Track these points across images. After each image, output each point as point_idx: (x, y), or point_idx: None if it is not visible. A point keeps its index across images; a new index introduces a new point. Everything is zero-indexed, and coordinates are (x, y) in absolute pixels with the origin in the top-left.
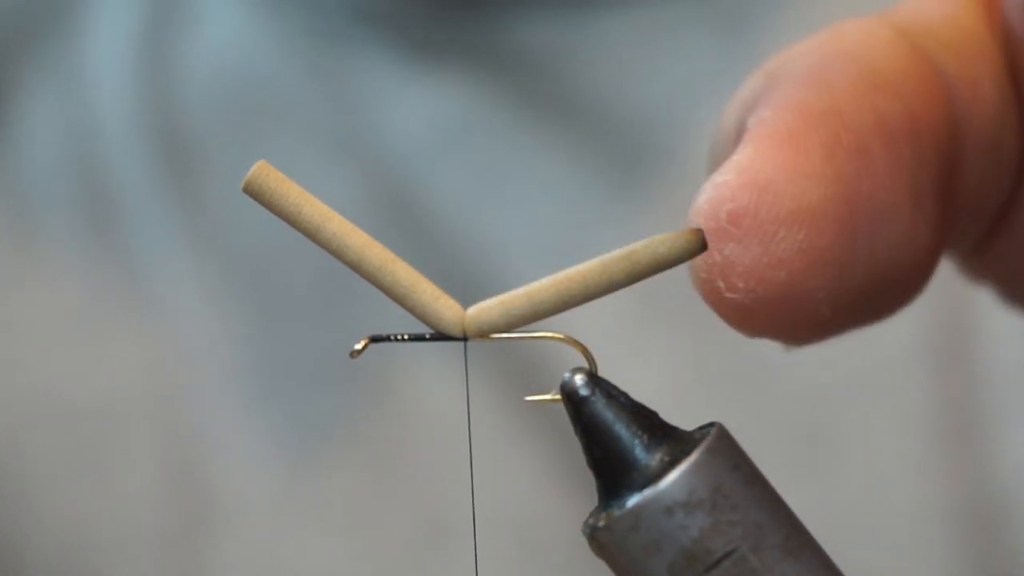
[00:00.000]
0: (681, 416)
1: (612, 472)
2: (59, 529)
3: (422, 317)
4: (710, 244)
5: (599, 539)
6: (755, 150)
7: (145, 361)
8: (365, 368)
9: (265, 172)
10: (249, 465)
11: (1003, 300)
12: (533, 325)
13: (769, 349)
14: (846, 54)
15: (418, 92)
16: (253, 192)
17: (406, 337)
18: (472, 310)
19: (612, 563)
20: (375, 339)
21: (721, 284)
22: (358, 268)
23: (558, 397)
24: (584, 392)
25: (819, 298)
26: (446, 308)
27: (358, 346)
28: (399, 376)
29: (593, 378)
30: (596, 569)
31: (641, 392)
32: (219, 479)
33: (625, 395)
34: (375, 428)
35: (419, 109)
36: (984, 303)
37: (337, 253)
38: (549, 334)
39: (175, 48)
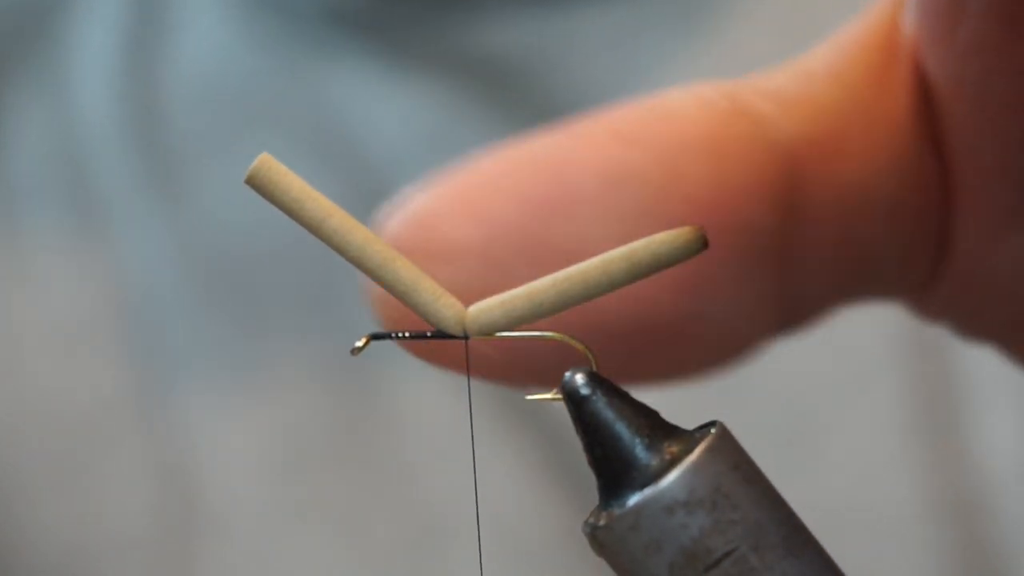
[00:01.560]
0: (683, 415)
1: (613, 471)
2: (47, 538)
3: (423, 315)
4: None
5: (600, 538)
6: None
7: (132, 366)
8: (355, 369)
9: (268, 165)
10: (238, 470)
11: (961, 337)
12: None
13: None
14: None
15: (395, 95)
16: (256, 185)
17: (407, 335)
18: (473, 309)
19: (613, 562)
20: (376, 336)
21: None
22: (359, 264)
23: (559, 396)
24: (585, 391)
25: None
26: (447, 307)
27: (359, 343)
28: (391, 377)
29: (594, 377)
30: (596, 568)
31: (642, 391)
32: (208, 484)
33: (626, 394)
34: (366, 430)
35: (396, 111)
36: None
37: (339, 248)
38: (550, 333)
39: (158, 53)
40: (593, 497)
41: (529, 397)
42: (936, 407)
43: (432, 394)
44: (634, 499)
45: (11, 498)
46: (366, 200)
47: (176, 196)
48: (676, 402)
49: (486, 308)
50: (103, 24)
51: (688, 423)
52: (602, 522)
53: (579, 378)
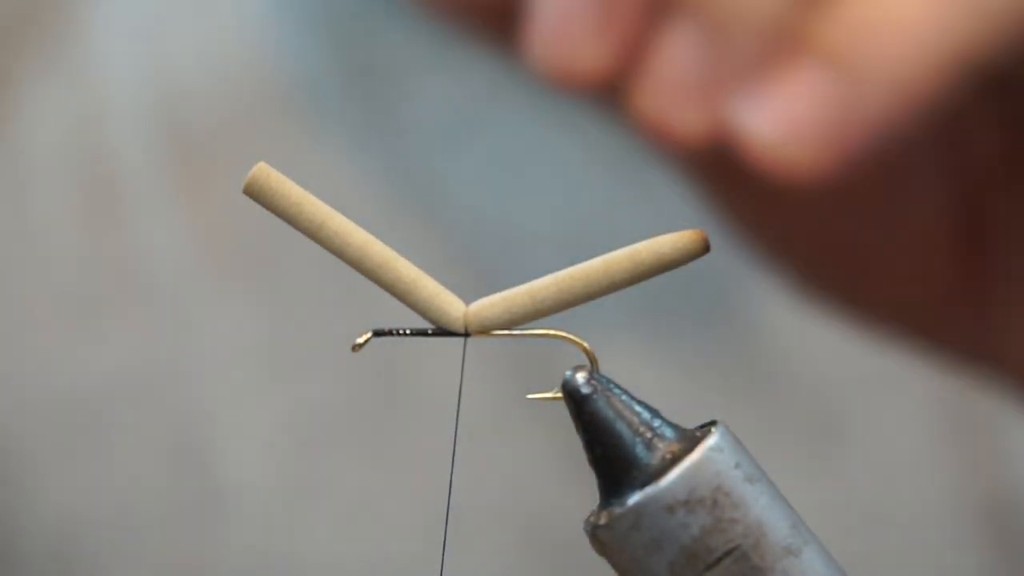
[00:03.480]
0: (684, 415)
1: (613, 470)
2: (58, 512)
3: (424, 313)
4: None
5: (600, 537)
6: None
7: (147, 345)
8: (370, 355)
9: (265, 174)
10: (251, 450)
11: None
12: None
13: (777, 343)
14: None
15: (439, 76)
16: (253, 194)
17: (408, 332)
18: (474, 306)
19: (613, 561)
20: (377, 333)
21: None
22: (359, 265)
23: (559, 395)
24: (585, 390)
25: None
26: (448, 304)
27: (360, 340)
28: (405, 363)
29: (594, 376)
30: (597, 566)
31: (643, 390)
32: (221, 463)
33: (627, 393)
34: (380, 414)
35: (440, 93)
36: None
37: (339, 251)
38: (551, 331)
39: (183, 33)
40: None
41: (529, 396)
42: (971, 407)
43: (447, 381)
44: (634, 498)
45: (23, 473)
46: (407, 183)
47: (198, 177)
48: (704, 400)
49: (487, 305)
50: (125, 4)
51: (713, 419)
52: (603, 521)
53: (579, 377)
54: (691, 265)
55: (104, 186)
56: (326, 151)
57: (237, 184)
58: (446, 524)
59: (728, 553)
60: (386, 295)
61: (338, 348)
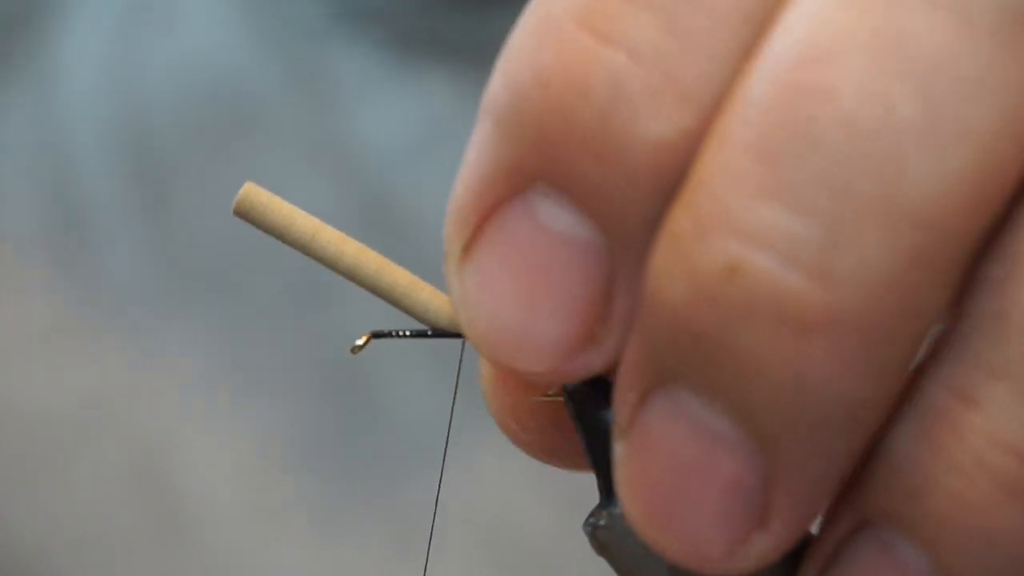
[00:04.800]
0: None
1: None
2: (20, 538)
3: (422, 317)
4: None
5: (600, 538)
6: None
7: (112, 367)
8: (339, 370)
9: (254, 193)
10: (216, 473)
11: None
12: None
13: None
14: None
15: (398, 91)
16: (243, 214)
17: (407, 333)
18: None
19: (613, 562)
20: (376, 335)
21: None
22: (354, 274)
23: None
24: (586, 391)
25: None
26: (444, 306)
27: (359, 342)
28: (374, 380)
29: (594, 377)
30: (597, 567)
31: None
32: (186, 486)
33: None
34: (350, 431)
35: (399, 108)
36: None
37: (332, 261)
38: None
39: (148, 48)
40: (593, 497)
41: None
42: None
43: (419, 396)
44: None
45: None
46: (368, 199)
47: (162, 198)
48: None
49: None
50: (93, 20)
51: None
52: (603, 521)
53: None
54: None
55: (67, 206)
56: (289, 168)
57: (201, 203)
58: (431, 535)
59: None
60: (345, 312)
61: (302, 368)
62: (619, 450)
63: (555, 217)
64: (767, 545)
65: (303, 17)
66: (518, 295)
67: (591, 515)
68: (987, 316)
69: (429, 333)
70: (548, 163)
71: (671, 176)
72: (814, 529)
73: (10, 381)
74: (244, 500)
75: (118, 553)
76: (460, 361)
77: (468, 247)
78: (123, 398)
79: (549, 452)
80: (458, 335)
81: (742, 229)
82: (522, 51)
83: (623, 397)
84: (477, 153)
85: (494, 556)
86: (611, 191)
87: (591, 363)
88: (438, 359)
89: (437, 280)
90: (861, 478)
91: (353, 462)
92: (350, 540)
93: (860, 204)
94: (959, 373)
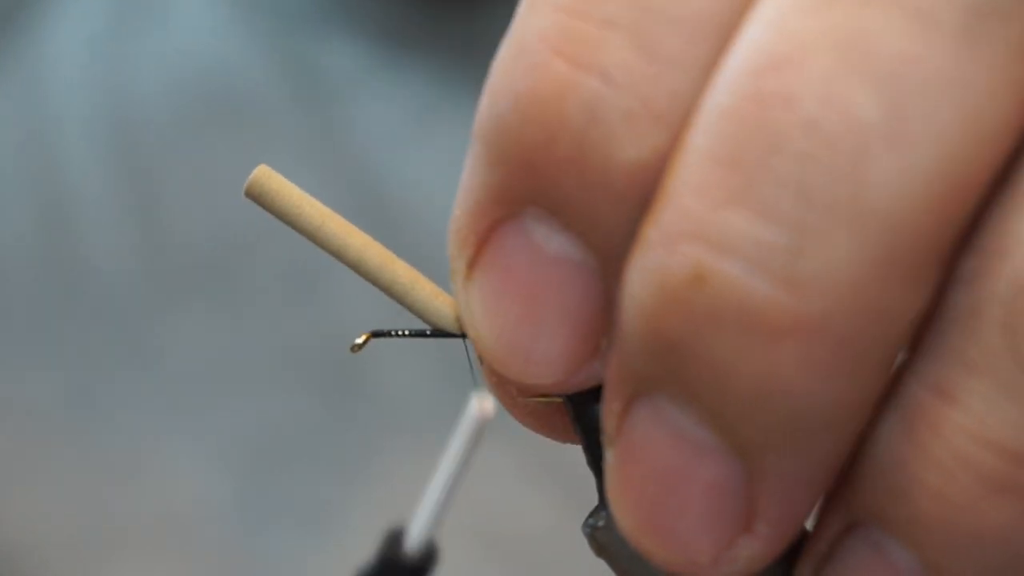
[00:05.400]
0: None
1: None
2: (12, 532)
3: (422, 314)
4: None
5: (599, 538)
6: None
7: (99, 360)
8: (331, 365)
9: (266, 175)
10: (209, 465)
11: None
12: None
13: None
14: None
15: (389, 82)
16: (255, 196)
17: (407, 333)
18: None
19: (612, 562)
20: (376, 334)
21: None
22: (358, 266)
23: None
24: (584, 392)
25: None
26: (445, 305)
27: (359, 340)
28: (364, 371)
29: None
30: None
31: None
32: (176, 480)
33: None
34: (338, 427)
35: (390, 99)
36: None
37: (337, 253)
38: None
39: (138, 40)
40: (592, 497)
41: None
42: None
43: (411, 391)
44: None
45: None
46: (360, 190)
47: (152, 189)
48: None
49: None
50: (81, 13)
51: None
52: (601, 523)
53: None
54: None
55: (55, 198)
56: (279, 160)
57: (191, 195)
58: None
59: None
60: (337, 306)
61: (293, 362)
62: (608, 458)
63: (548, 239)
64: (755, 549)
65: (294, 10)
66: (521, 314)
67: (590, 516)
68: (962, 311)
69: (428, 333)
70: (535, 188)
71: (650, 193)
72: (809, 527)
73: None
74: (237, 494)
75: (110, 548)
76: (469, 359)
77: (471, 266)
78: (113, 391)
79: (553, 430)
80: (457, 335)
81: (708, 237)
82: (502, 77)
83: (609, 406)
84: (470, 176)
85: (495, 551)
86: (596, 214)
87: (597, 373)
88: (437, 351)
89: (431, 270)
90: (850, 477)
91: (348, 455)
92: (341, 538)
93: (825, 208)
94: (936, 369)
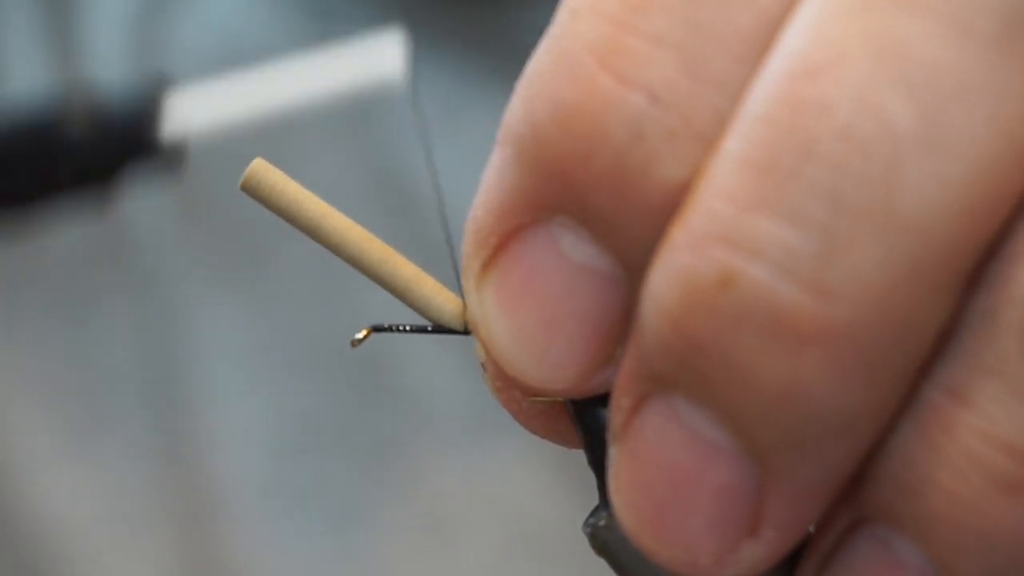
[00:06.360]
0: None
1: None
2: (50, 514)
3: (423, 311)
4: None
5: (600, 538)
6: None
7: (137, 345)
8: (361, 355)
9: (263, 169)
10: (241, 451)
11: None
12: None
13: None
14: None
15: (418, 71)
16: (250, 190)
17: (408, 328)
18: None
19: (613, 562)
20: (376, 329)
21: None
22: (358, 262)
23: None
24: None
25: None
26: (447, 302)
27: (359, 335)
28: (396, 364)
29: None
30: (596, 567)
31: None
32: (211, 465)
33: None
34: (369, 417)
35: (419, 88)
36: None
37: (337, 247)
38: None
39: (169, 27)
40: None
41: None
42: None
43: (443, 380)
44: None
45: (13, 473)
46: (386, 178)
47: (187, 173)
48: None
49: None
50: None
51: None
52: (602, 522)
53: None
54: None
55: None
56: (310, 143)
57: (224, 179)
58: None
59: None
60: (373, 296)
61: (326, 350)
62: (613, 455)
63: (575, 248)
64: (758, 553)
65: None
66: (538, 318)
67: (591, 515)
68: (979, 314)
69: (429, 329)
70: (568, 198)
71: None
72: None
73: (37, 352)
74: (269, 480)
75: (144, 529)
76: (476, 357)
77: (487, 266)
78: (149, 376)
79: (558, 435)
80: (458, 332)
81: (736, 240)
82: (542, 82)
83: (618, 403)
84: (498, 177)
85: (517, 544)
86: (628, 228)
87: (608, 381)
88: (466, 346)
89: (440, 266)
90: (859, 475)
91: (376, 443)
92: (373, 523)
93: (856, 215)
94: (952, 371)
